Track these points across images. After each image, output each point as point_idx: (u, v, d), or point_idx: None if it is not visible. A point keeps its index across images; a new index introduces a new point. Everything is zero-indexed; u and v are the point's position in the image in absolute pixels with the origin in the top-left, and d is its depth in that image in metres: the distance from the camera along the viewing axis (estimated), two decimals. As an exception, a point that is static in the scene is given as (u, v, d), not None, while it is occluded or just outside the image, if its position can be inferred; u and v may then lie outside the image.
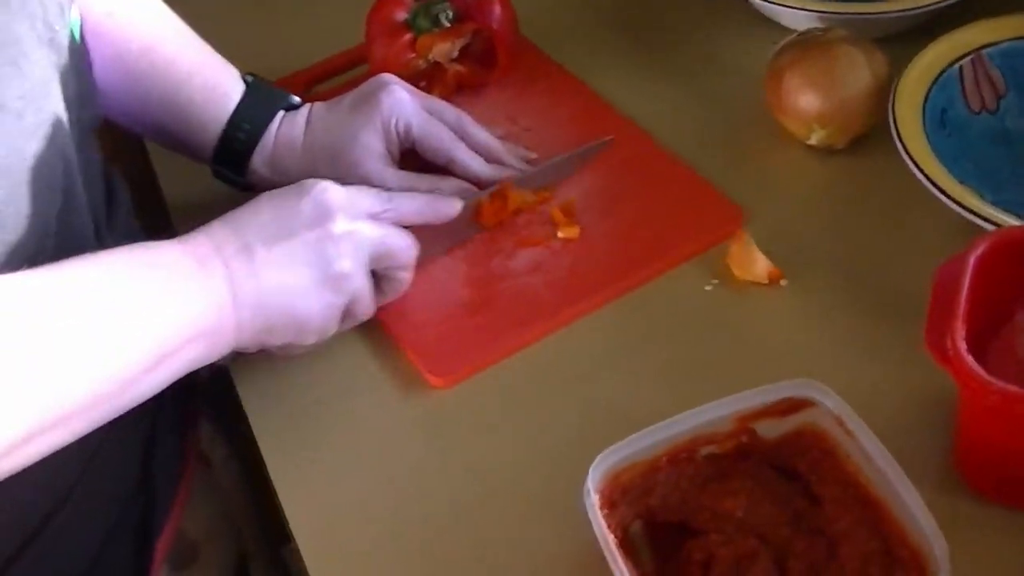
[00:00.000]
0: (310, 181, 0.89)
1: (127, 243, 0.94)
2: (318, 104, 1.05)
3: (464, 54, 1.16)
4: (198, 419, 1.09)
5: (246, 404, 0.96)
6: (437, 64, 1.15)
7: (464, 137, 1.04)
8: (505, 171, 1.04)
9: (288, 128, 1.03)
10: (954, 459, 0.80)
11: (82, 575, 0.91)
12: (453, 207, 0.98)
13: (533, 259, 0.99)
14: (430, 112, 1.03)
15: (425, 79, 1.15)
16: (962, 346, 0.72)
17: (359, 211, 0.90)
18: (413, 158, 1.03)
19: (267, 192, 0.89)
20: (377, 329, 0.97)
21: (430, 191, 1.00)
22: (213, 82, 1.03)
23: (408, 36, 1.13)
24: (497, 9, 1.14)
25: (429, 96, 1.05)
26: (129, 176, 1.04)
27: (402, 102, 1.01)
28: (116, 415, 0.78)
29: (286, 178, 1.00)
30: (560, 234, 1.00)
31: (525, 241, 1.00)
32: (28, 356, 0.71)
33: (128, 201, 1.02)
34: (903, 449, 0.73)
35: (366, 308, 0.92)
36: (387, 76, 1.04)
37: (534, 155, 1.08)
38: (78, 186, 0.85)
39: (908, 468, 0.72)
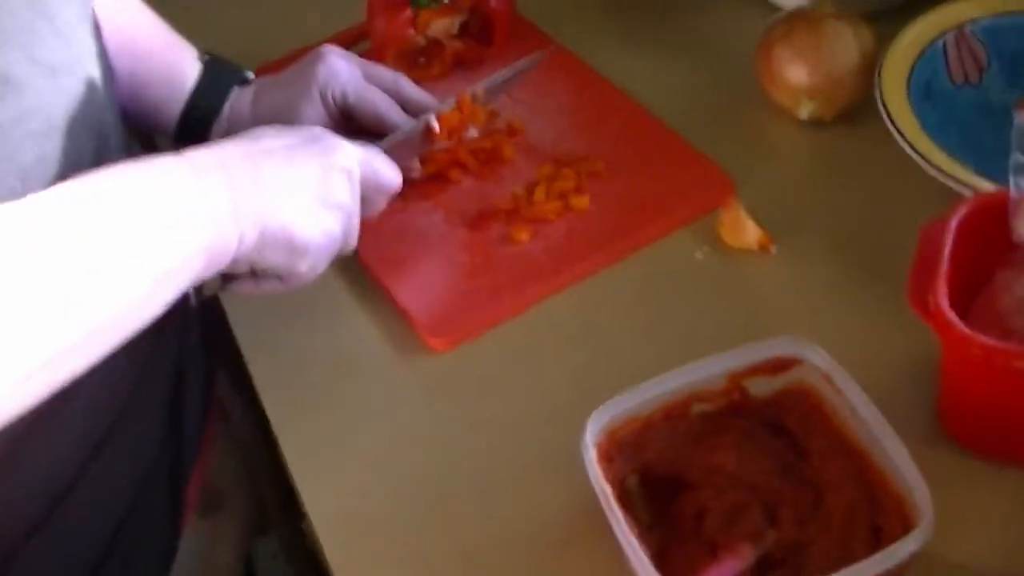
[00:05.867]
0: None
1: None
2: (264, 77, 1.08)
3: (463, 31, 1.18)
4: (218, 373, 1.11)
5: (250, 365, 0.99)
6: (436, 41, 1.18)
7: (400, 96, 1.07)
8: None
9: (238, 102, 1.06)
10: (938, 414, 0.82)
11: (121, 521, 0.93)
12: None
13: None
14: (367, 76, 1.06)
15: (424, 55, 1.18)
16: (944, 302, 0.74)
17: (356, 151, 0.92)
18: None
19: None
20: (378, 293, 1.00)
21: None
22: (171, 60, 1.06)
23: (408, 12, 1.16)
24: (494, -14, 1.16)
25: (366, 61, 1.08)
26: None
27: (336, 71, 1.04)
28: (127, 333, 0.76)
29: None
30: (571, 203, 1.02)
31: (533, 218, 1.02)
32: (24, 288, 0.68)
33: None
34: (889, 404, 0.75)
35: (352, 241, 0.92)
36: (326, 47, 1.06)
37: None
38: (112, 146, 0.87)
39: (894, 422, 0.74)
